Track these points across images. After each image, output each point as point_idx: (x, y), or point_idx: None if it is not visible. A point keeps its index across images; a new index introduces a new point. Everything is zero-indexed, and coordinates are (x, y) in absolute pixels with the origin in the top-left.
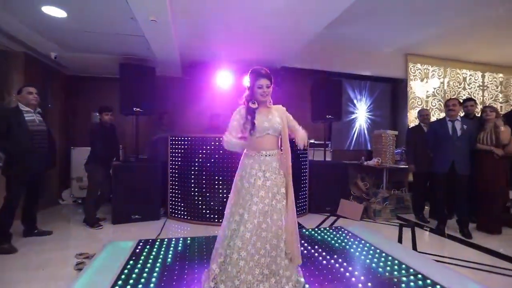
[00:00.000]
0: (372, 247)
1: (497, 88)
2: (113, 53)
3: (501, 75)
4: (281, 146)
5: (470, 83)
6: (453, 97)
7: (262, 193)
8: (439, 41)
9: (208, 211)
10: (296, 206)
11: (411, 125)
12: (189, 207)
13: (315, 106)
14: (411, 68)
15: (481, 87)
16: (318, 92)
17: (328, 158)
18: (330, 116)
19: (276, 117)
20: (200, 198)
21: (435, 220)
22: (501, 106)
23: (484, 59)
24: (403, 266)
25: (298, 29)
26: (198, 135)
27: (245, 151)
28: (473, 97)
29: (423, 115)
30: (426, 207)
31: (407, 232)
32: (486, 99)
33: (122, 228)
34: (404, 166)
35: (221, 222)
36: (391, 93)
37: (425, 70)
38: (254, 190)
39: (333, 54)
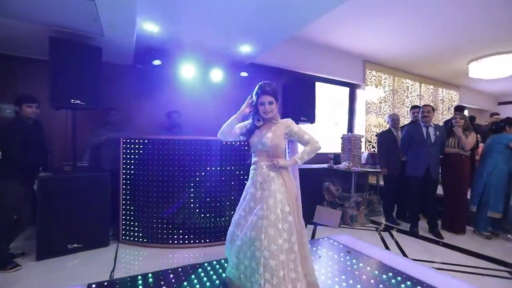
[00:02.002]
0: (372, 260)
1: (429, 97)
2: (41, 21)
3: (432, 86)
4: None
5: (412, 92)
6: (428, 103)
7: (252, 204)
8: (390, 52)
9: (175, 231)
10: None
11: (377, 130)
12: (149, 227)
13: (287, 108)
14: (368, 75)
15: (419, 96)
16: (291, 93)
17: None
18: (304, 118)
19: (269, 133)
20: (165, 216)
21: (402, 221)
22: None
23: (421, 72)
24: (415, 280)
25: (278, 26)
26: (164, 138)
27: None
28: (414, 104)
29: (394, 119)
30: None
31: (385, 236)
32: None
33: (53, 266)
34: (372, 170)
35: (192, 243)
36: (350, 97)
37: (378, 77)
38: (247, 205)
39: (300, 55)
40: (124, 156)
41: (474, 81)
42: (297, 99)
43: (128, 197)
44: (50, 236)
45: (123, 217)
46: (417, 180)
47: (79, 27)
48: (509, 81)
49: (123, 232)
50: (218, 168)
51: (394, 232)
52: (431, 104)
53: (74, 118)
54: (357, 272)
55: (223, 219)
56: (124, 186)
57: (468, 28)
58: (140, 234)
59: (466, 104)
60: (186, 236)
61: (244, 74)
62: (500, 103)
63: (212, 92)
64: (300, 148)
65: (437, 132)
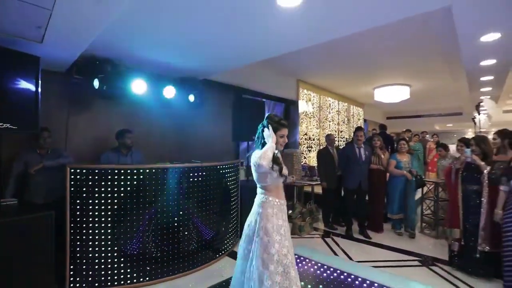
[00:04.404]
0: (331, 268)
1: (344, 113)
2: None
3: (346, 104)
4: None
5: (332, 108)
6: (360, 126)
7: (287, 243)
8: (317, 74)
9: (140, 268)
10: (228, 232)
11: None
12: (106, 267)
13: (237, 126)
14: (300, 92)
15: (337, 111)
16: (240, 112)
17: (243, 177)
18: (254, 137)
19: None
20: (125, 252)
21: (338, 226)
22: (346, 127)
23: (340, 92)
24: (359, 279)
25: (243, 52)
26: (121, 167)
27: (264, 198)
28: (334, 118)
29: (331, 139)
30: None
31: (329, 242)
32: (340, 120)
33: None
34: (312, 183)
35: (160, 278)
36: (285, 113)
37: (308, 95)
38: (288, 241)
39: (247, 73)
40: (73, 188)
41: (374, 101)
42: (249, 118)
43: (77, 236)
44: None
45: (71, 260)
46: (352, 191)
47: (12, 29)
48: (394, 104)
49: (71, 278)
50: (180, 196)
51: (334, 237)
52: (361, 126)
53: None
54: (323, 284)
55: (191, 247)
56: (72, 224)
57: (376, 65)
58: (96, 278)
59: (367, 118)
60: (152, 272)
61: (192, 97)
62: (388, 118)
63: (164, 110)
64: None
65: (366, 152)
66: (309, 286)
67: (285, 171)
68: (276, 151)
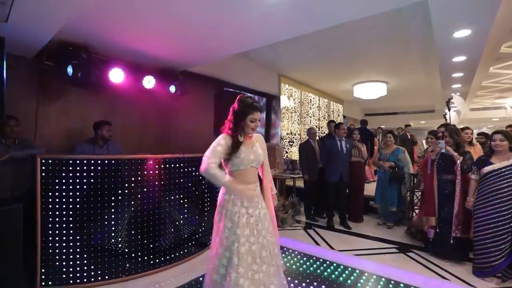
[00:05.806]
0: (314, 257)
1: (325, 109)
2: None
3: (326, 100)
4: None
5: (313, 104)
6: (342, 122)
7: (247, 232)
8: (299, 68)
9: (119, 262)
10: (210, 225)
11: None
12: (82, 263)
13: (218, 119)
14: (282, 87)
15: (318, 107)
16: (222, 105)
17: None
18: None
19: (259, 149)
20: (102, 247)
21: (320, 218)
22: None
23: (320, 88)
24: (342, 267)
25: (224, 45)
26: (97, 158)
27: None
28: (314, 114)
29: (312, 133)
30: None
31: (311, 233)
32: (321, 116)
33: None
34: (294, 176)
35: (140, 272)
36: (267, 107)
37: (290, 90)
38: (239, 229)
39: (229, 66)
40: (43, 180)
41: (353, 98)
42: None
43: (49, 231)
44: None
45: (42, 256)
46: (333, 183)
47: None
48: (372, 101)
49: (42, 276)
50: (160, 188)
51: (316, 229)
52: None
53: None
54: (307, 272)
55: (172, 240)
56: (46, 218)
57: (355, 60)
58: (70, 274)
59: (346, 114)
60: (132, 266)
61: (172, 88)
62: (366, 115)
63: (144, 100)
64: None
65: (347, 145)
66: (293, 275)
67: (253, 156)
68: (242, 137)
